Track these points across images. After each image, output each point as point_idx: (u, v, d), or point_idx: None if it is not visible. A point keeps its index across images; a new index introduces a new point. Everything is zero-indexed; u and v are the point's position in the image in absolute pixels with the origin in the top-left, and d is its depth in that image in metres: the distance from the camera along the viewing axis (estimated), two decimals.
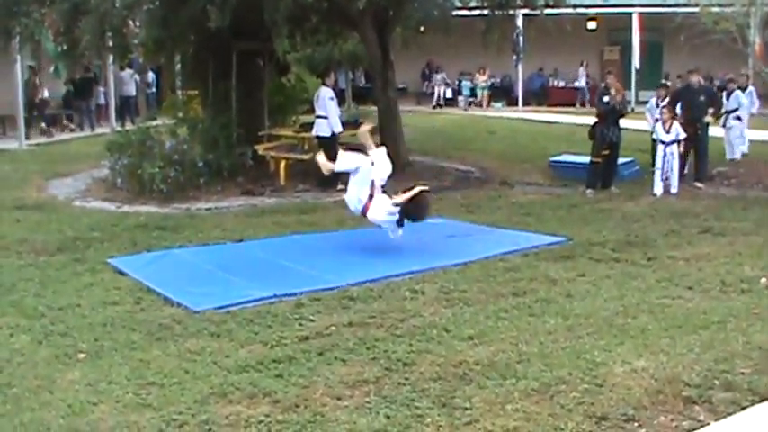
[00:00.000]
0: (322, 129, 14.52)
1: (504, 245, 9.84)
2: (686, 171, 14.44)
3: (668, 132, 13.65)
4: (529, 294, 7.83)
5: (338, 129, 14.56)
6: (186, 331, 6.89)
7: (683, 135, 13.67)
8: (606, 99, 13.62)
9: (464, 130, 23.96)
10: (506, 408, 5.29)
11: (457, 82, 34.42)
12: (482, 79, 32.59)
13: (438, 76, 33.10)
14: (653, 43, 30.62)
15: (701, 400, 5.36)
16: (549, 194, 13.69)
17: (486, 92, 32.76)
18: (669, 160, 13.60)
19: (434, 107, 32.42)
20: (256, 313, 7.32)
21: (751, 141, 17.56)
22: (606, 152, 13.58)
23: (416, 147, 18.38)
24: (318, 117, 14.63)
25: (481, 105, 32.23)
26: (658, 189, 13.41)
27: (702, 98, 14.16)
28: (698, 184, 13.94)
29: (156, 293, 7.97)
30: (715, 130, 15.82)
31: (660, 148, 13.74)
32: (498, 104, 32.99)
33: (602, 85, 14.51)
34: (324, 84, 15.01)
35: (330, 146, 14.61)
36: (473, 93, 32.87)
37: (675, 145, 13.63)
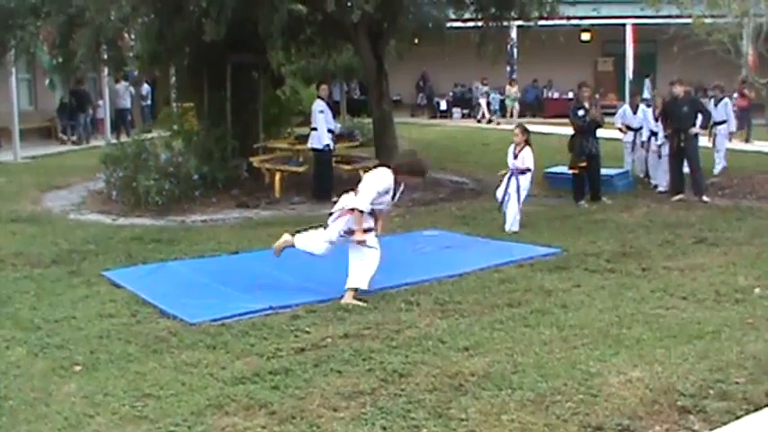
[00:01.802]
0: (315, 141, 14.56)
1: (499, 256, 9.86)
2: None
3: (516, 158, 11.77)
4: (524, 305, 7.85)
5: (325, 141, 14.54)
6: (182, 343, 6.89)
7: (530, 165, 11.76)
8: (581, 113, 13.67)
9: (458, 142, 24.04)
10: (502, 418, 5.29)
11: (451, 93, 34.49)
12: (513, 91, 31.61)
13: (483, 88, 32.10)
14: (646, 54, 30.79)
15: (696, 410, 5.36)
16: (544, 205, 13.71)
17: (515, 104, 31.68)
18: (511, 194, 11.72)
19: (479, 121, 31.49)
20: (252, 325, 7.32)
21: (744, 153, 17.58)
22: (584, 164, 13.61)
23: None
24: (313, 129, 14.68)
25: (490, 120, 31.25)
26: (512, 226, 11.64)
27: (686, 109, 14.00)
28: (705, 198, 13.82)
29: (152, 306, 7.97)
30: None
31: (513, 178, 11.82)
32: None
33: (576, 98, 14.51)
34: (318, 96, 15.05)
35: (324, 158, 14.70)
36: (503, 105, 31.84)
37: (525, 175, 11.77)
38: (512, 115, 31.16)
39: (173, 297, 8.18)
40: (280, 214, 13.34)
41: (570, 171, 13.85)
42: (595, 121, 13.68)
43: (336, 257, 9.77)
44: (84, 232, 11.76)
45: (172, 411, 5.51)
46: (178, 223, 12.63)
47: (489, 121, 31.14)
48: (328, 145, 14.63)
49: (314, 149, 14.63)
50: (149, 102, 29.52)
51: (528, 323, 7.28)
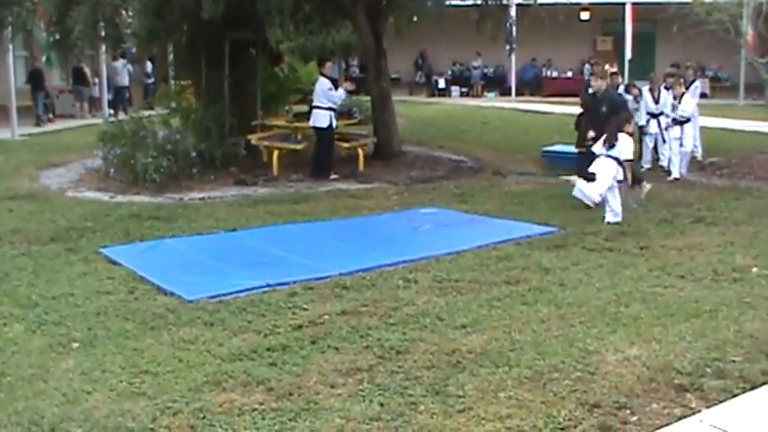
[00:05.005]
0: (318, 120, 14.43)
1: (497, 234, 9.86)
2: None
3: None
4: (522, 283, 7.85)
5: (326, 122, 14.42)
6: (180, 320, 6.89)
7: None
8: (591, 90, 13.62)
9: (457, 121, 23.97)
10: (499, 395, 5.31)
11: (449, 71, 34.35)
12: None
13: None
14: (646, 33, 30.66)
15: (693, 388, 5.39)
16: (542, 184, 13.70)
17: None
18: None
19: None
20: (249, 302, 7.32)
21: (744, 132, 17.51)
22: (591, 142, 13.58)
23: (409, 137, 18.40)
24: (315, 108, 14.54)
25: None
26: None
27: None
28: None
29: (150, 283, 7.97)
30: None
31: None
32: (491, 94, 32.96)
33: (589, 76, 14.46)
34: (321, 74, 14.90)
35: (326, 137, 14.63)
36: None
37: None
38: None
39: (170, 274, 8.18)
40: (277, 192, 13.31)
41: (577, 150, 13.79)
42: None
43: (333, 236, 9.81)
44: (82, 209, 11.73)
45: (169, 388, 5.52)
46: (176, 201, 12.60)
47: None
48: (330, 125, 14.49)
49: (316, 128, 14.52)
50: (152, 79, 29.33)
51: (526, 301, 7.30)
